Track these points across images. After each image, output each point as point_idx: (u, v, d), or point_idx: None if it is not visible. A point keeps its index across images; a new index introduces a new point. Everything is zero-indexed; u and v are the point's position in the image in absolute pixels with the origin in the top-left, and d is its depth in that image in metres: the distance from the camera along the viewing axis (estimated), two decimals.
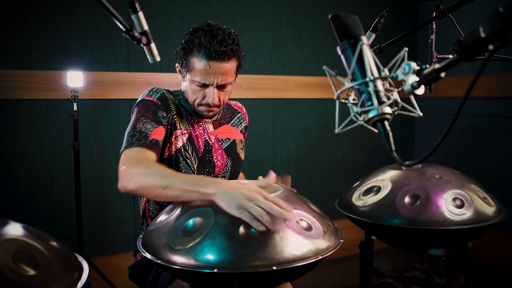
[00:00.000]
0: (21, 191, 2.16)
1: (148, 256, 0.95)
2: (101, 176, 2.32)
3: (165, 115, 1.27)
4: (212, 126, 1.43)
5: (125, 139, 1.18)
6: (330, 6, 2.90)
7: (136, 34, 0.84)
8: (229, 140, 1.46)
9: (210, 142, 1.41)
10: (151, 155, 1.15)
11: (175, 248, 0.92)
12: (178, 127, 1.34)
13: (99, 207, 2.34)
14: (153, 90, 1.32)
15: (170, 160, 1.33)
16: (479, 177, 1.61)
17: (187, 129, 1.36)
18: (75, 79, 2.03)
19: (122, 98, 2.33)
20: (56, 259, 0.70)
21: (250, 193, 0.91)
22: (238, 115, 1.55)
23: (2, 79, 2.07)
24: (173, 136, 1.32)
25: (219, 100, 1.31)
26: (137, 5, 0.83)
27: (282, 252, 0.88)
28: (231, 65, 1.26)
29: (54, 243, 0.76)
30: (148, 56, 0.90)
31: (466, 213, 1.27)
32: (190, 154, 1.35)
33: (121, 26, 0.82)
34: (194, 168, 1.35)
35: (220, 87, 1.29)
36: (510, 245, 2.60)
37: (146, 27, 0.86)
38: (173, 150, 1.33)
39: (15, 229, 0.72)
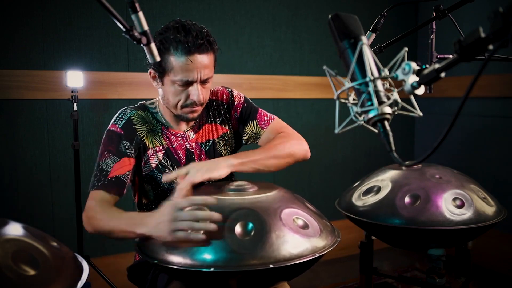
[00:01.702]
0: (21, 191, 2.16)
1: (145, 256, 0.95)
2: None
3: (128, 144, 1.26)
4: (192, 132, 1.36)
5: (91, 178, 1.24)
6: (330, 6, 2.90)
7: (136, 34, 0.84)
8: (209, 141, 1.37)
9: (192, 150, 1.34)
10: (107, 196, 1.20)
11: (172, 247, 0.92)
12: (151, 146, 1.30)
13: None
14: (119, 116, 1.29)
15: (148, 178, 1.32)
16: (479, 177, 1.61)
17: (163, 144, 1.32)
18: (75, 79, 2.03)
19: (122, 98, 2.32)
20: (56, 259, 0.70)
21: (170, 215, 0.95)
22: (213, 106, 1.40)
23: (2, 79, 2.07)
24: (144, 158, 1.30)
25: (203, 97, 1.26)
26: (137, 5, 0.83)
27: (279, 250, 0.88)
28: (210, 58, 1.22)
29: (54, 243, 0.76)
30: (148, 56, 0.90)
31: (466, 213, 1.27)
32: (171, 168, 1.31)
33: (121, 26, 0.82)
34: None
35: (202, 83, 1.24)
36: (510, 245, 2.60)
37: (146, 27, 0.86)
38: (149, 170, 1.31)
39: (15, 229, 0.72)
